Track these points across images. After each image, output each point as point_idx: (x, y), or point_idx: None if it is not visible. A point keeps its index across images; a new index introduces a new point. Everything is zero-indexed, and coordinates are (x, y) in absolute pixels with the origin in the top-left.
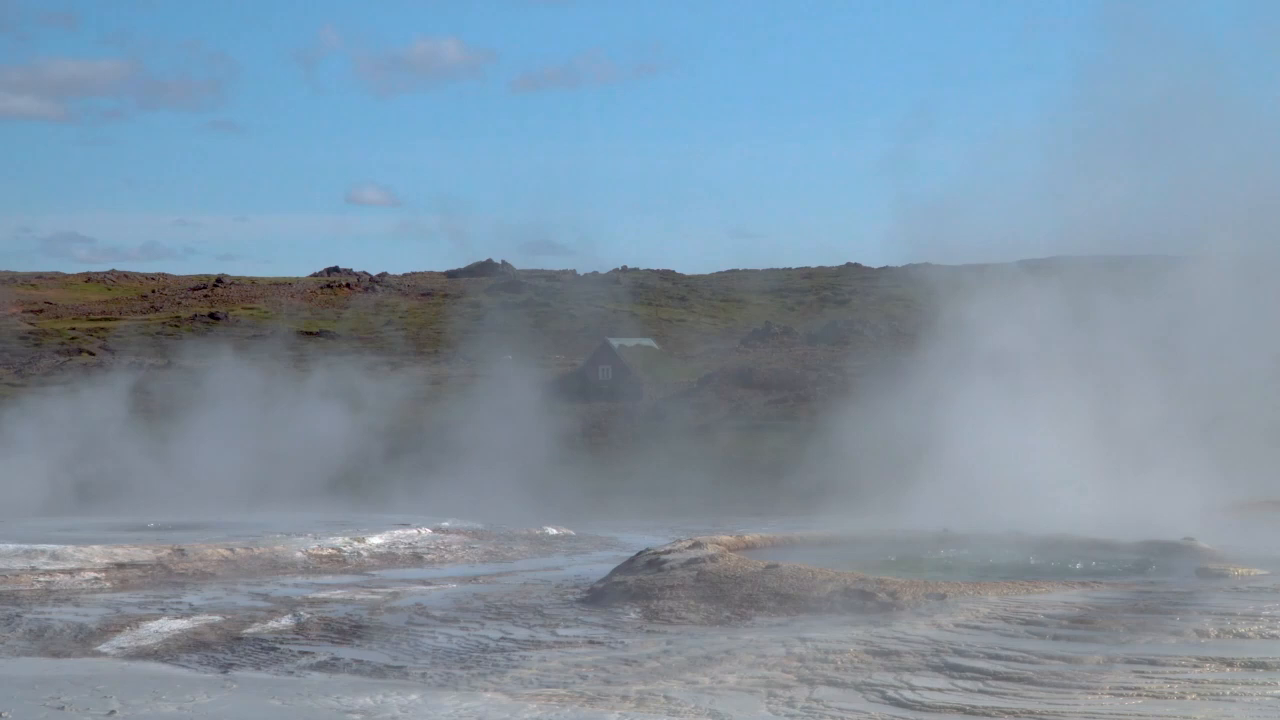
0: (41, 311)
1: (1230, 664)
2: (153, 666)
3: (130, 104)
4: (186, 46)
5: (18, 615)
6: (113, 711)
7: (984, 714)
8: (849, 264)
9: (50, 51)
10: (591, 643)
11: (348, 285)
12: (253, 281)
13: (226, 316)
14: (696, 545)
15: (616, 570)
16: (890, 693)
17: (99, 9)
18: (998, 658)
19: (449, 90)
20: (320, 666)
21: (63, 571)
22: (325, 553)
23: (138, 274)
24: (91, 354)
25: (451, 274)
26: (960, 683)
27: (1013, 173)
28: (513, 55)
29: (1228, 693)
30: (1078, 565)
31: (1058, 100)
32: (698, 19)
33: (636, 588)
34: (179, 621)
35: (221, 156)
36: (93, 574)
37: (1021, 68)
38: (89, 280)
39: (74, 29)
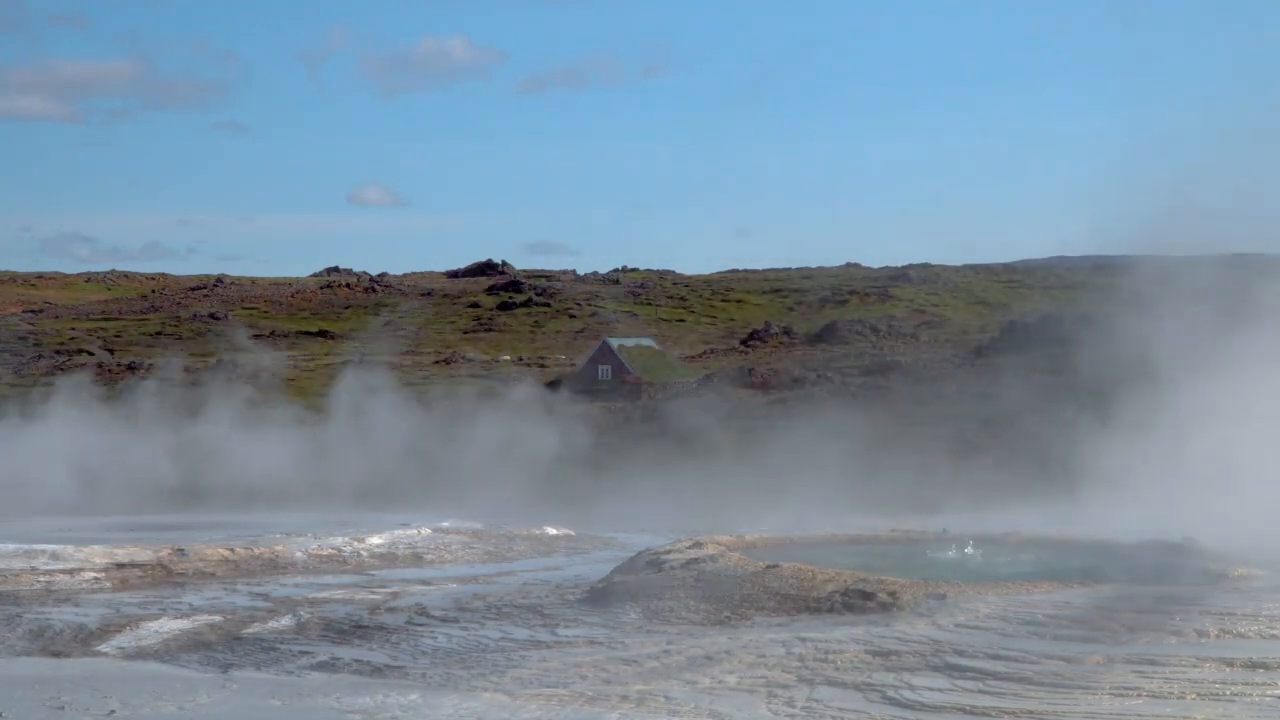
0: (41, 311)
1: (1230, 664)
2: (153, 666)
3: (137, 104)
4: (194, 46)
5: (18, 615)
6: (113, 711)
7: (984, 714)
8: (849, 264)
9: (59, 52)
10: (591, 643)
11: (347, 285)
12: (253, 281)
13: (226, 317)
14: (696, 545)
15: (616, 570)
16: (890, 693)
17: (108, 10)
18: (998, 658)
19: (455, 90)
20: (320, 666)
21: (63, 571)
22: (325, 553)
23: (138, 274)
24: (91, 354)
25: (452, 274)
26: (960, 682)
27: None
28: (520, 55)
29: (1228, 693)
30: (1077, 565)
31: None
32: (705, 20)
33: (636, 588)
34: (179, 621)
35: (226, 156)
36: (93, 574)
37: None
38: (89, 280)
39: (83, 29)
